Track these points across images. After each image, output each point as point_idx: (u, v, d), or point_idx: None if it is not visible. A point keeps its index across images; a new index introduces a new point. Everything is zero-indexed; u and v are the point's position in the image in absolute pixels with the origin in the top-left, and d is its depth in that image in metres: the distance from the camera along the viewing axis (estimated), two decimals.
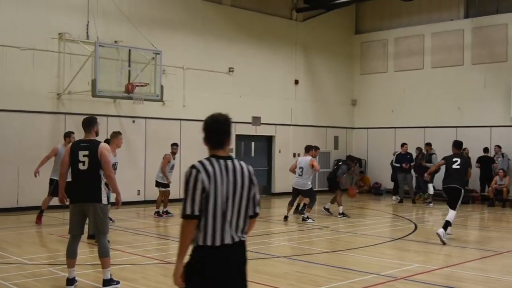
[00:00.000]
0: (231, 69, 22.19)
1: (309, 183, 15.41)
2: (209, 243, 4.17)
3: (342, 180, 17.42)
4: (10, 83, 16.81)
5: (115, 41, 18.37)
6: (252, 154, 23.61)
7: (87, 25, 18.17)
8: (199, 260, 4.19)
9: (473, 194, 21.86)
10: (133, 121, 19.19)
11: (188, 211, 4.16)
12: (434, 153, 21.40)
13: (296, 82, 24.78)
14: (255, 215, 4.44)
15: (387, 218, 17.46)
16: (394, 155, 23.17)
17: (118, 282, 7.83)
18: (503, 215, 18.43)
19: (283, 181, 24.00)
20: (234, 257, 4.26)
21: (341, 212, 16.59)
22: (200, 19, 21.30)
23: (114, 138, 11.55)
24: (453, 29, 24.12)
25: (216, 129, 4.44)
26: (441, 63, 24.43)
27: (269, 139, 24.11)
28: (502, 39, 22.81)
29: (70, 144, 8.26)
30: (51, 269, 9.07)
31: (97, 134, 8.10)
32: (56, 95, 17.66)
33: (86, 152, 7.76)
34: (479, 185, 21.94)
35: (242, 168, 4.36)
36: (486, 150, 21.83)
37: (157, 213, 16.16)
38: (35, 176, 13.99)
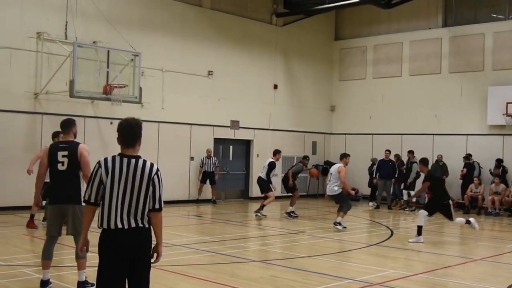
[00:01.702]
0: (210, 72, 22.15)
1: (336, 188, 15.10)
2: (105, 226, 4.94)
3: (289, 176, 17.85)
4: None
5: (94, 42, 18.26)
6: (230, 158, 23.58)
7: (66, 25, 18.03)
8: (100, 239, 4.97)
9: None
10: (111, 123, 19.02)
11: (86, 197, 5.02)
12: (416, 162, 21.46)
13: (275, 86, 24.82)
14: (154, 209, 5.02)
15: (363, 224, 17.53)
16: (372, 161, 23.30)
17: (93, 285, 7.75)
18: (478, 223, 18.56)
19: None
20: (127, 240, 4.90)
21: (288, 211, 17.32)
22: (179, 21, 21.24)
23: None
24: (431, 37, 24.36)
25: (127, 131, 5.09)
26: (419, 71, 24.65)
27: (247, 143, 24.10)
28: (479, 48, 23.08)
29: (49, 145, 8.17)
30: (25, 271, 8.96)
31: (75, 136, 8.05)
32: (33, 94, 17.47)
33: (65, 153, 7.71)
34: (460, 192, 22.02)
35: (144, 167, 5.01)
36: (467, 157, 21.95)
37: None
38: (29, 175, 13.40)
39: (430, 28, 24.57)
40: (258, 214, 17.24)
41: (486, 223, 18.55)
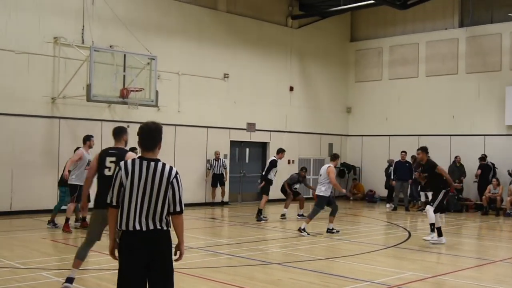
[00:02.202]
0: (226, 75, 22.20)
1: (323, 189, 14.82)
2: (123, 227, 4.99)
3: (286, 186, 18.04)
4: (4, 87, 16.75)
5: (111, 46, 18.36)
6: (247, 160, 23.60)
7: (83, 29, 18.16)
8: (120, 240, 5.04)
9: (467, 202, 21.92)
10: (128, 126, 18.90)
11: (108, 200, 5.14)
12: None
13: (291, 88, 24.81)
14: (175, 212, 5.11)
15: (381, 226, 17.46)
16: (389, 163, 23.19)
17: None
18: (496, 224, 18.46)
19: (276, 187, 23.93)
20: (146, 242, 4.96)
21: (301, 213, 17.57)
22: (195, 25, 21.31)
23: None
24: (448, 38, 24.22)
25: (147, 135, 5.18)
26: (436, 71, 24.52)
27: (263, 146, 24.11)
28: (496, 48, 22.92)
29: (101, 151, 8.31)
30: (44, 274, 9.02)
31: (126, 143, 8.30)
32: (51, 99, 17.61)
33: (113, 159, 7.91)
34: (477, 193, 21.87)
35: (163, 170, 5.06)
36: (483, 158, 21.80)
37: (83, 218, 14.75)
38: (66, 180, 13.50)
39: (446, 29, 24.43)
40: (263, 219, 17.03)
41: (505, 224, 18.42)
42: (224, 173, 21.56)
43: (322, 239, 13.82)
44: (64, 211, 14.07)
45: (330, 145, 26.47)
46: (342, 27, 27.30)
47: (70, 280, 7.84)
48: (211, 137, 21.57)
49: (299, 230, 14.34)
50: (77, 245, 11.77)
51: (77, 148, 14.52)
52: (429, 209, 13.30)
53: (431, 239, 13.15)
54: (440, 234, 13.14)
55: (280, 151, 17.87)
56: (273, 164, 17.53)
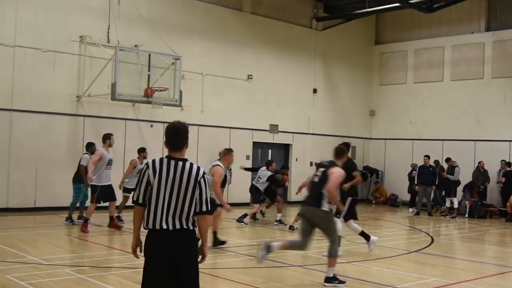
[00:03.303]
0: (249, 76, 22.21)
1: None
2: (150, 226, 5.00)
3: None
4: (30, 85, 16.93)
5: (136, 45, 18.46)
6: None
7: (108, 28, 18.29)
8: (146, 239, 5.05)
9: (490, 209, 21.69)
10: (151, 126, 19.24)
11: (135, 198, 5.12)
12: (457, 166, 21.14)
13: (315, 91, 24.75)
14: (202, 211, 5.13)
15: (403, 230, 17.34)
16: (412, 167, 23.02)
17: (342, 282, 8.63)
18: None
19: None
20: (172, 241, 4.96)
21: (278, 219, 16.53)
22: (220, 25, 21.36)
23: (227, 155, 11.87)
24: (474, 42, 23.99)
25: (175, 135, 5.15)
26: (461, 76, 24.30)
27: (286, 147, 24.09)
28: None
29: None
30: (67, 270, 9.09)
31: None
32: (76, 97, 17.76)
33: None
34: (501, 200, 21.65)
35: (191, 170, 5.08)
36: (509, 164, 21.57)
37: (118, 217, 15.12)
38: (89, 183, 13.39)
39: (472, 33, 24.20)
40: (243, 222, 16.36)
41: None
42: (228, 174, 20.71)
43: (343, 242, 13.75)
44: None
45: (353, 148, 26.33)
46: (367, 29, 27.18)
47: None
48: (234, 138, 21.58)
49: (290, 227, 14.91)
50: (99, 243, 11.88)
51: (89, 145, 14.60)
52: (340, 221, 11.43)
53: (370, 248, 11.99)
54: (367, 238, 12.09)
55: (270, 163, 17.13)
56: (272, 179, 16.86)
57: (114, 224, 13.90)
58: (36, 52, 17.05)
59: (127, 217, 15.18)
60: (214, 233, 11.81)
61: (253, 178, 18.23)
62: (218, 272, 9.43)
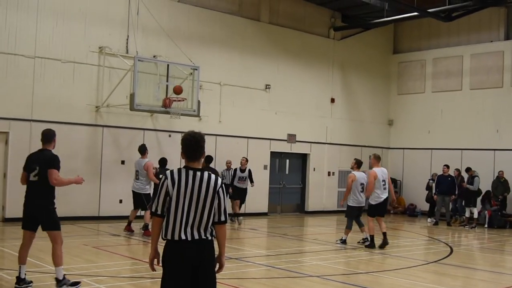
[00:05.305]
0: (267, 86, 22.25)
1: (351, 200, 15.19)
2: (169, 237, 4.99)
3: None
4: (50, 95, 17.08)
5: (154, 56, 18.59)
6: (287, 172, 23.55)
7: (127, 39, 18.44)
8: (164, 250, 5.02)
9: (510, 218, 21.47)
10: (169, 135, 19.32)
11: (153, 209, 5.09)
12: (477, 176, 20.95)
13: (332, 100, 24.72)
14: (220, 221, 5.12)
15: (422, 240, 17.21)
16: (431, 176, 22.86)
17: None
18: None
19: (317, 199, 23.92)
20: (191, 252, 4.95)
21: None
22: (238, 35, 21.43)
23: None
24: (493, 50, 23.83)
25: (192, 145, 5.11)
26: (480, 85, 24.13)
27: (304, 157, 24.05)
28: None
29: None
30: (85, 280, 9.12)
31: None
32: (95, 107, 17.90)
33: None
34: None
35: (209, 180, 5.05)
36: None
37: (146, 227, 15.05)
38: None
39: (491, 41, 24.06)
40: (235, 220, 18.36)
41: None
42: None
43: (361, 252, 13.69)
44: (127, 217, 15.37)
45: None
46: (385, 39, 27.13)
47: None
48: (252, 147, 21.60)
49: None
50: (118, 253, 11.92)
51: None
52: None
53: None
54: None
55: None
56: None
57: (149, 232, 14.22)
58: (56, 63, 17.22)
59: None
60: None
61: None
62: (236, 282, 9.42)
